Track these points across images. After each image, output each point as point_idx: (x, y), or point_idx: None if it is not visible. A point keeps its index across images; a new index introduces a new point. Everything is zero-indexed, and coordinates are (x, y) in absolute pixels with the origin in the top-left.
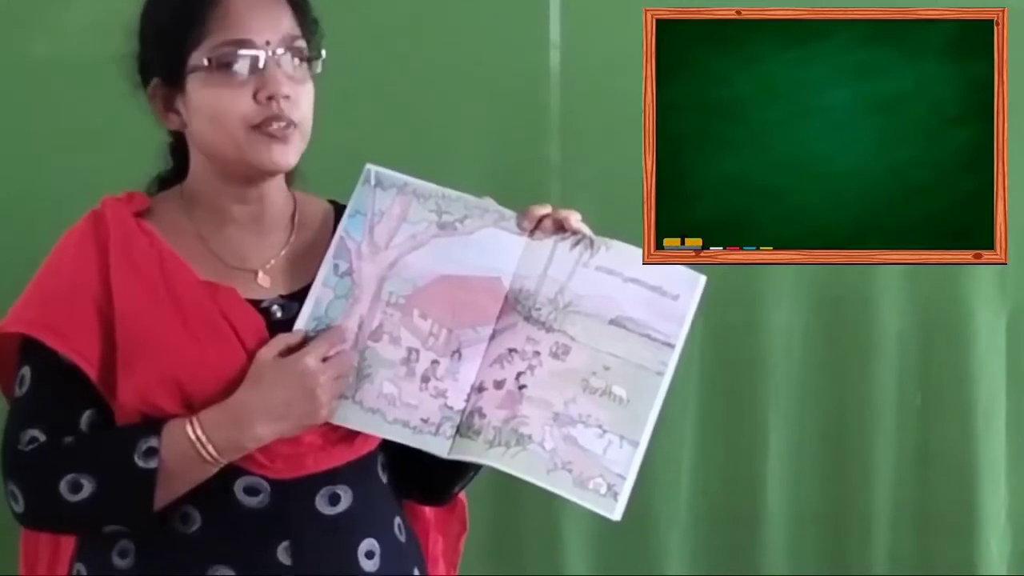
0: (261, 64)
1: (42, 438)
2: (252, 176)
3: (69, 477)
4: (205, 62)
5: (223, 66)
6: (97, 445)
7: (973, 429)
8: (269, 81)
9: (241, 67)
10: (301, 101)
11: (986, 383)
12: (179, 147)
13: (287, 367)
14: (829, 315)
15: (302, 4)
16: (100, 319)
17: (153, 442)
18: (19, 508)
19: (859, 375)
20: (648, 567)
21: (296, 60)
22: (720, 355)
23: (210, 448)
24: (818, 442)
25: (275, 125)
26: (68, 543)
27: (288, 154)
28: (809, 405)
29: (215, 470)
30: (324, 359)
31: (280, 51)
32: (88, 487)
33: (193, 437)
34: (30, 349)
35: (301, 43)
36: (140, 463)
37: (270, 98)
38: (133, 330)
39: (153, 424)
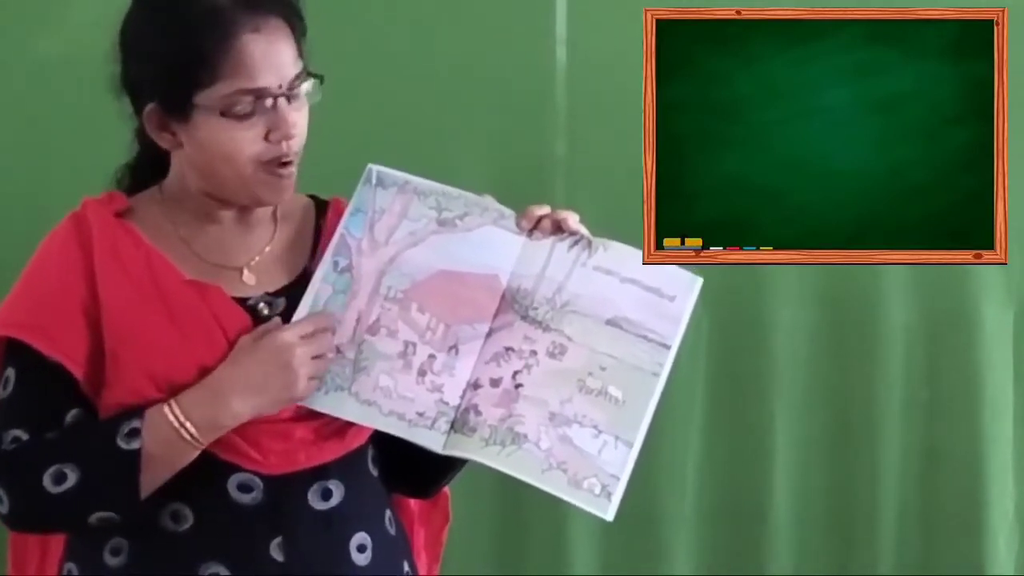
0: (275, 105)
1: (25, 437)
2: (246, 204)
3: (52, 469)
4: (220, 108)
5: (240, 113)
6: (79, 434)
7: (980, 426)
8: (281, 123)
9: (259, 114)
10: (301, 128)
11: (993, 380)
12: (152, 145)
13: (263, 342)
14: (835, 313)
15: (300, 27)
16: (87, 319)
17: (135, 423)
18: (3, 509)
19: (865, 373)
20: (654, 566)
21: (301, 91)
22: (726, 353)
23: (189, 427)
24: (824, 440)
25: (283, 163)
26: (58, 542)
27: (290, 188)
28: (815, 403)
29: (196, 453)
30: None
31: (290, 90)
32: (72, 476)
33: (171, 417)
34: (15, 351)
35: (303, 75)
36: (123, 445)
37: (282, 138)
38: (121, 328)
39: (134, 410)
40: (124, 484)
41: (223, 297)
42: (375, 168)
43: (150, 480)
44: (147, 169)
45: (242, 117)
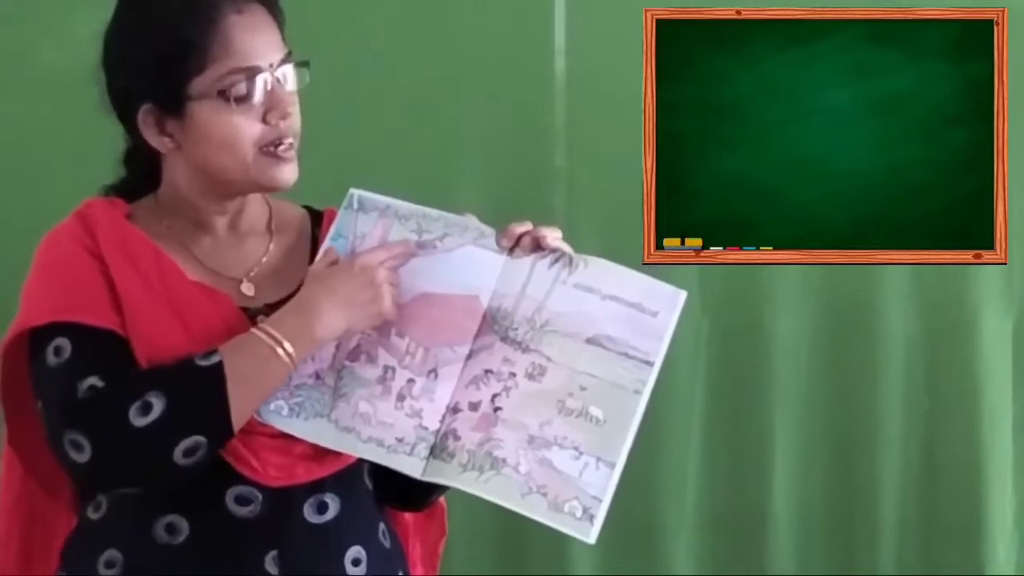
0: (269, 87)
1: (101, 384)
2: (251, 193)
3: (137, 403)
4: (215, 91)
5: (236, 94)
6: (160, 368)
7: (980, 433)
8: (278, 103)
9: (255, 94)
10: (296, 114)
11: (993, 387)
12: (141, 159)
13: (345, 263)
14: (835, 319)
15: (281, 18)
16: (112, 296)
17: (212, 351)
18: (84, 457)
19: (866, 379)
20: (655, 571)
21: (291, 75)
22: (726, 359)
23: (286, 344)
24: (825, 446)
25: (283, 145)
26: (42, 548)
27: (294, 171)
28: (816, 409)
29: (287, 374)
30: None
31: (280, 69)
32: (158, 404)
33: (265, 336)
34: (55, 332)
35: (291, 57)
36: (202, 362)
37: (280, 118)
38: (133, 319)
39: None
40: (212, 400)
41: (231, 305)
42: (356, 193)
43: (241, 404)
44: (132, 187)
45: (239, 100)
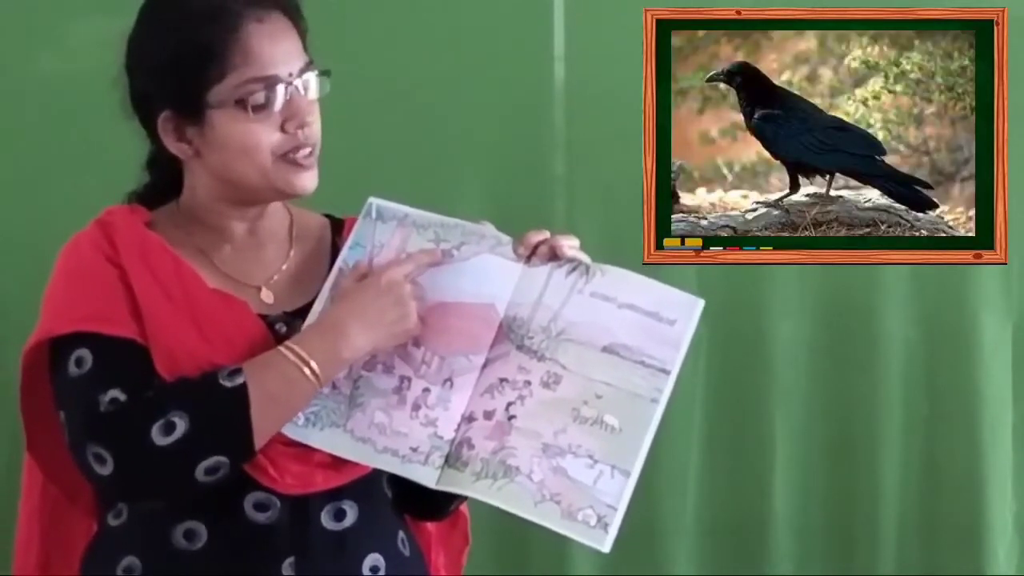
0: (288, 96)
1: (123, 397)
2: (271, 200)
3: (160, 421)
4: (233, 100)
5: (255, 103)
6: (184, 385)
7: (980, 438)
8: (297, 111)
9: (273, 103)
10: (316, 122)
11: (993, 391)
12: (164, 164)
13: (371, 280)
14: (835, 324)
15: (303, 27)
16: (133, 307)
17: (236, 370)
18: (106, 470)
19: (865, 384)
20: (655, 573)
21: (313, 84)
22: (726, 364)
23: (312, 364)
24: (825, 451)
25: (301, 152)
26: (58, 547)
27: (314, 179)
28: (816, 414)
29: (313, 394)
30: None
31: (300, 79)
32: (181, 424)
33: (292, 357)
34: (77, 342)
35: (312, 67)
36: (227, 383)
37: (298, 127)
38: (152, 327)
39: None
40: (235, 422)
41: (248, 312)
42: (375, 202)
43: (264, 424)
44: (156, 194)
45: (257, 108)
